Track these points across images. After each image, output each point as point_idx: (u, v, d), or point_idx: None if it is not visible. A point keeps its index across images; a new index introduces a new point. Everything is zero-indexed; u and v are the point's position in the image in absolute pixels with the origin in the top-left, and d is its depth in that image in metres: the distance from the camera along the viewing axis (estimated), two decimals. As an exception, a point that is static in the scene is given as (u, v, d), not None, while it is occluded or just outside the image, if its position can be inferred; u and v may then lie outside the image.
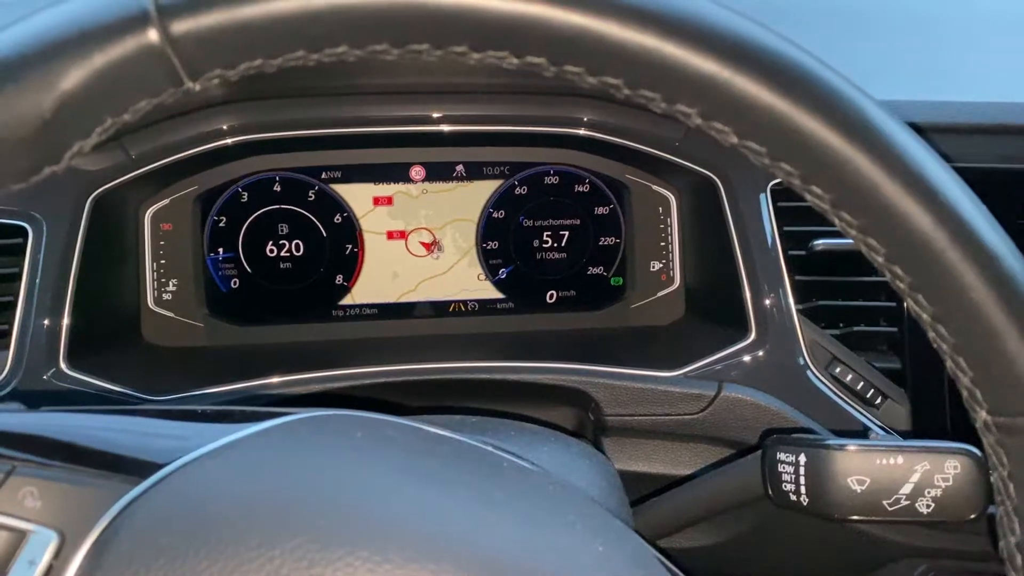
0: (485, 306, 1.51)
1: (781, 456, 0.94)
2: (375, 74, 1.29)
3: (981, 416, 0.55)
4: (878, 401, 1.27)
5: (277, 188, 1.44)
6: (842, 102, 0.55)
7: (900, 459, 0.87)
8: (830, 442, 0.92)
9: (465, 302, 1.51)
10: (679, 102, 0.57)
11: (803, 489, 0.92)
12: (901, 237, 0.54)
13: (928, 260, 0.54)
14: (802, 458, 0.92)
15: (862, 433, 1.19)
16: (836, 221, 0.57)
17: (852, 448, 0.90)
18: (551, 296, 1.52)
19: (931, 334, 0.56)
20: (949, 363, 0.56)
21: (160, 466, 0.59)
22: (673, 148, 1.33)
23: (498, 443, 0.85)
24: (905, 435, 1.25)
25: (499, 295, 1.51)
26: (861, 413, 1.25)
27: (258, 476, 0.62)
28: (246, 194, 1.44)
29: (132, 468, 0.61)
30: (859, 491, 0.88)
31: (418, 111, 1.34)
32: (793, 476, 0.93)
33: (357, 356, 1.40)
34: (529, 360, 1.32)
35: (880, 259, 0.55)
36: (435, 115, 1.33)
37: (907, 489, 0.86)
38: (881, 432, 1.23)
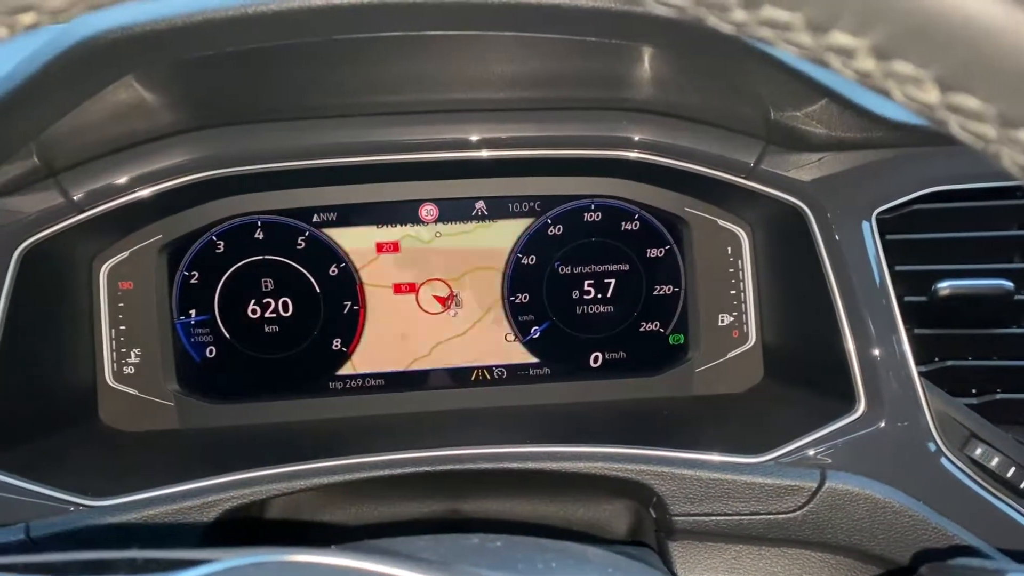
0: (515, 373, 1.24)
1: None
2: (374, 90, 1.04)
3: None
4: (1040, 491, 0.96)
5: (259, 235, 1.19)
6: None
7: None
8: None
9: (490, 368, 1.23)
10: (901, 56, 0.32)
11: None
12: None
13: None
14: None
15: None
16: None
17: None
18: (596, 359, 1.25)
19: None
20: None
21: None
22: (747, 172, 1.05)
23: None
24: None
25: (532, 359, 1.24)
26: (1015, 508, 0.94)
27: None
28: (222, 243, 1.19)
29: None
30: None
31: (430, 135, 1.08)
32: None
33: (358, 439, 1.14)
34: (571, 443, 1.04)
35: None
36: (452, 138, 1.07)
37: None
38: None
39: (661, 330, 1.25)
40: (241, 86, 0.98)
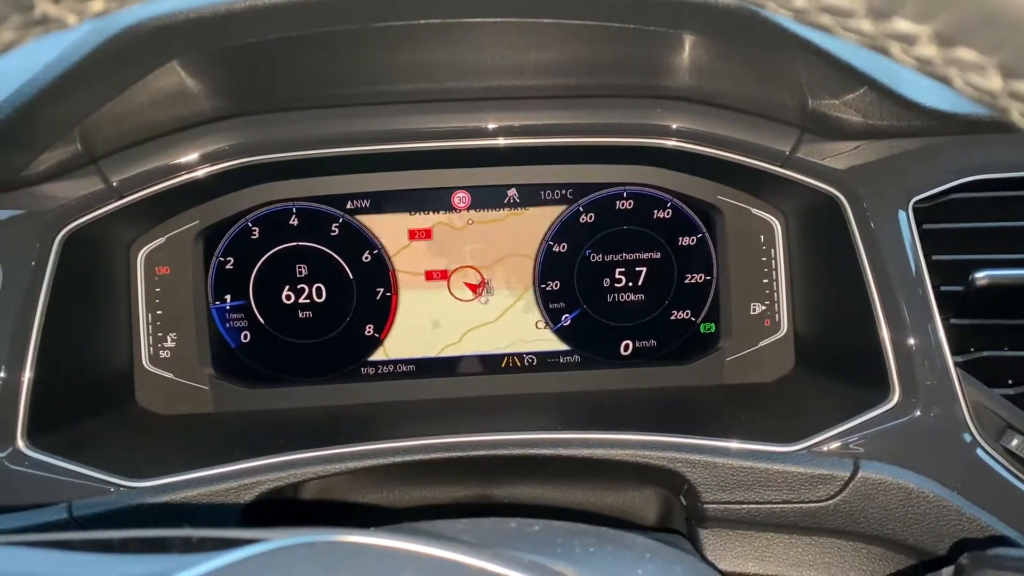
0: (546, 360, 1.24)
1: (988, 585, 0.64)
2: (410, 78, 1.04)
3: None
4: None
5: (294, 222, 1.20)
6: None
7: None
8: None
9: (521, 356, 1.24)
10: (965, 43, 0.33)
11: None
12: None
13: None
14: (1023, 590, 0.62)
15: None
16: None
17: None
18: (626, 347, 1.25)
19: None
20: None
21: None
22: (782, 160, 1.05)
23: (570, 569, 0.58)
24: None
25: (563, 346, 1.24)
26: (1051, 501, 0.94)
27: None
28: (257, 230, 1.20)
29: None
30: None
31: (464, 122, 1.08)
32: (1009, 616, 0.63)
33: (390, 425, 1.14)
34: (602, 429, 1.04)
35: None
36: (486, 126, 1.07)
37: None
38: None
39: (692, 319, 1.25)
40: (280, 73, 0.99)
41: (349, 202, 1.20)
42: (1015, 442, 0.96)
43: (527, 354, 1.24)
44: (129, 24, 0.76)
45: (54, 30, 0.38)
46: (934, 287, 0.99)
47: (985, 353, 0.99)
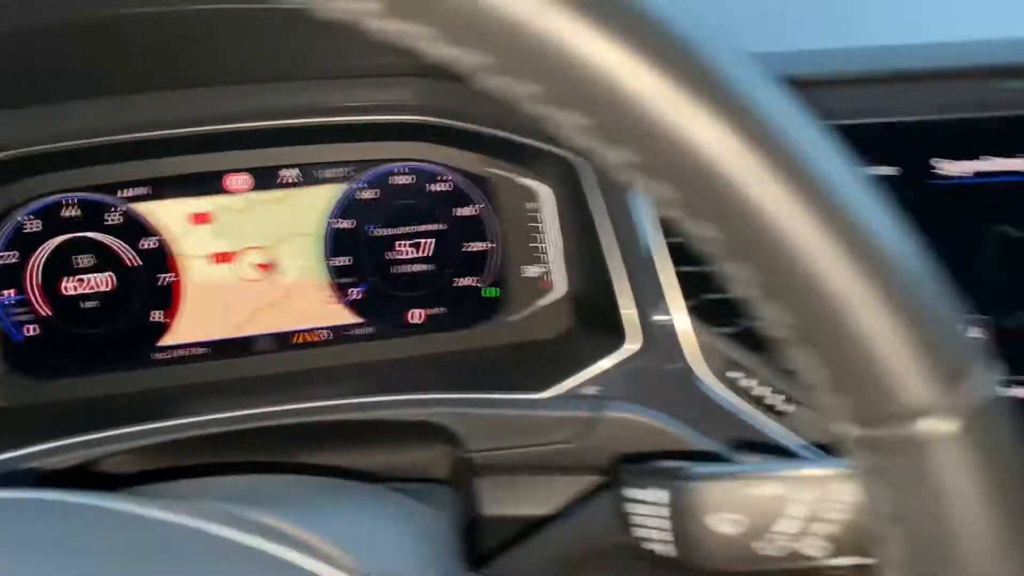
0: (339, 333, 1.29)
1: (635, 493, 0.73)
2: (167, 63, 1.07)
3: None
4: (790, 409, 1.06)
5: (70, 213, 1.21)
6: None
7: (780, 488, 0.66)
8: (697, 471, 0.71)
9: (312, 331, 1.28)
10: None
11: (670, 536, 0.71)
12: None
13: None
14: (664, 494, 0.71)
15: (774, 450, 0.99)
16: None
17: (720, 477, 0.69)
18: (415, 316, 1.31)
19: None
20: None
21: None
22: (534, 130, 1.12)
23: (269, 518, 0.64)
24: (826, 449, 1.05)
25: (354, 319, 1.29)
26: (764, 422, 1.05)
27: None
28: (31, 222, 1.21)
29: None
30: (733, 534, 0.67)
31: (234, 105, 1.12)
32: (655, 520, 0.71)
33: (183, 404, 1.17)
34: (385, 393, 1.10)
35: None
36: (255, 108, 1.12)
37: (791, 527, 0.65)
38: (800, 448, 1.03)
39: (476, 284, 1.32)
40: (34, 63, 1.00)
41: (125, 190, 1.22)
42: (736, 375, 1.06)
43: (319, 329, 1.29)
44: None
45: None
46: (665, 239, 1.08)
47: (710, 296, 1.09)
